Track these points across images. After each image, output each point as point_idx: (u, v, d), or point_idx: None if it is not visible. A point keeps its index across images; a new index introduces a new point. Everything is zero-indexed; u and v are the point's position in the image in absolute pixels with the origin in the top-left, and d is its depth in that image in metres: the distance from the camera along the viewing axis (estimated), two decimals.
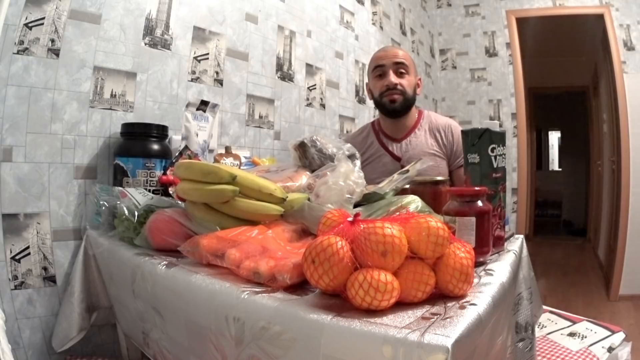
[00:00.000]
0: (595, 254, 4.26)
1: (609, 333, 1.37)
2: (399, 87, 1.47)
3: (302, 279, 0.62)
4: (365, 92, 1.94)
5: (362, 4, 2.47)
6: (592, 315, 1.60)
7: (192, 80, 1.46)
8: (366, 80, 1.64)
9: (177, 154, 1.19)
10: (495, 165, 0.85)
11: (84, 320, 1.05)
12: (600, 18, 3.15)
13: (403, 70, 1.48)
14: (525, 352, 0.88)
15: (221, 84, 1.57)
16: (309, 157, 1.14)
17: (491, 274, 0.69)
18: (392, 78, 1.47)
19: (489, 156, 0.85)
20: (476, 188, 0.76)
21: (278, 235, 0.79)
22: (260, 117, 1.74)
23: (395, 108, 1.49)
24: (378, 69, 1.50)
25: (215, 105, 1.37)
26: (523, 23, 3.47)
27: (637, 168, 2.94)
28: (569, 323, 1.47)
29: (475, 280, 0.64)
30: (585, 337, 1.36)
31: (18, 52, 1.04)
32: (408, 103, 1.50)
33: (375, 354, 0.47)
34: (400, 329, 0.48)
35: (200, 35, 1.50)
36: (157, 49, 1.35)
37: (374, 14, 2.60)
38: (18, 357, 1.03)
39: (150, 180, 1.14)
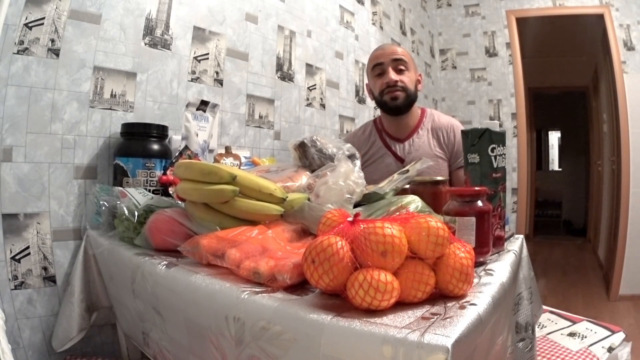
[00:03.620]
0: (595, 254, 4.26)
1: (609, 333, 1.37)
2: (399, 83, 1.44)
3: (302, 279, 0.62)
4: (366, 93, 1.93)
5: (362, 4, 2.47)
6: (592, 315, 1.60)
7: (192, 80, 1.46)
8: (366, 80, 1.63)
9: (177, 154, 1.19)
10: (495, 165, 0.85)
11: (84, 320, 1.05)
12: (600, 18, 3.16)
13: (403, 67, 1.45)
14: (525, 352, 0.88)
15: (221, 84, 1.57)
16: (309, 157, 1.14)
17: (491, 274, 0.69)
18: (392, 75, 1.44)
19: (489, 156, 0.85)
20: (476, 188, 0.76)
21: (278, 235, 0.79)
22: (260, 117, 1.74)
23: (397, 105, 1.46)
24: (377, 68, 1.48)
25: (215, 105, 1.37)
26: (523, 23, 3.47)
27: (637, 168, 2.94)
28: (569, 323, 1.47)
29: (475, 280, 0.64)
30: (585, 337, 1.36)
31: (18, 52, 1.04)
32: (410, 99, 1.47)
33: (375, 354, 0.47)
34: (400, 329, 0.48)
35: (200, 35, 1.50)
36: (157, 49, 1.35)
37: (374, 14, 2.60)
38: (18, 357, 1.03)
39: (150, 180, 1.14)
